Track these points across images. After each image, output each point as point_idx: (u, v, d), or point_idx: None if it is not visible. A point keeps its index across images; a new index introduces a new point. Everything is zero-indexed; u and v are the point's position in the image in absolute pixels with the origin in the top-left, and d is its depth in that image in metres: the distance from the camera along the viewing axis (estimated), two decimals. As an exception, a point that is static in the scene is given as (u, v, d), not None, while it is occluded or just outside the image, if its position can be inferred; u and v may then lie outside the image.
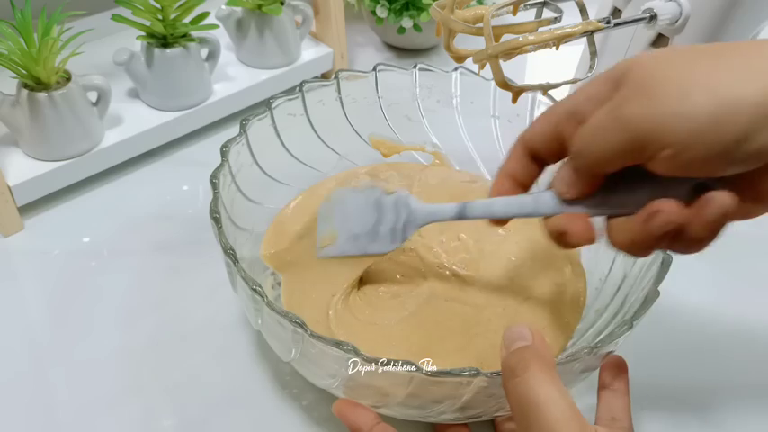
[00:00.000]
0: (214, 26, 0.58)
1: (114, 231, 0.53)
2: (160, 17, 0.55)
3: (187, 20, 0.57)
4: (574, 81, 0.44)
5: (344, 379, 0.34)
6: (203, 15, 0.58)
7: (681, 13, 0.45)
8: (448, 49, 0.44)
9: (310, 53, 0.67)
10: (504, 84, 0.41)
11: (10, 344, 0.45)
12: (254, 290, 0.34)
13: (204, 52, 0.60)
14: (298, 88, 0.49)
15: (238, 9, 0.63)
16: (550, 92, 0.45)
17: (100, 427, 0.41)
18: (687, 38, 0.46)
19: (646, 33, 0.49)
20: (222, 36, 0.63)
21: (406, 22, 0.69)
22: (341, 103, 0.51)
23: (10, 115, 0.52)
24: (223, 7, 0.62)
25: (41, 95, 0.51)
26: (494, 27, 0.40)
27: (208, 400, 0.42)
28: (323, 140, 0.52)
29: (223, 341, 0.45)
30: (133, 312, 0.47)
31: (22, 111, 0.51)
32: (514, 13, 0.43)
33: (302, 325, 0.32)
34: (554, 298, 0.45)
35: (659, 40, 0.49)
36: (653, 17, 0.45)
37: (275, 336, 0.37)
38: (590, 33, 0.42)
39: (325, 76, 0.69)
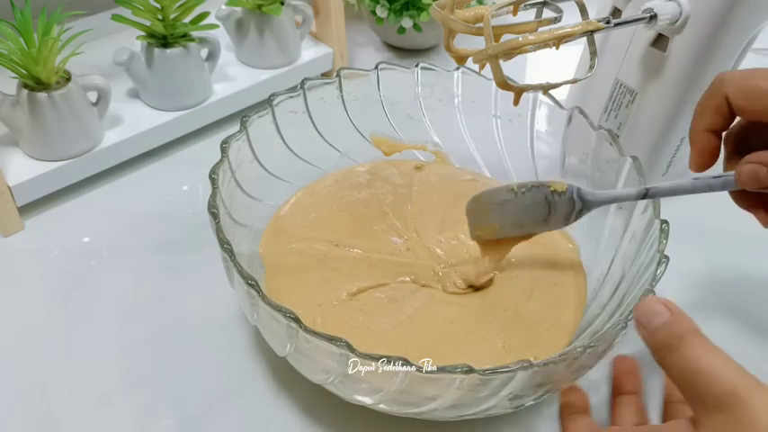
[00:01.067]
0: (214, 26, 0.58)
1: (114, 231, 0.53)
2: (160, 17, 0.55)
3: (187, 20, 0.57)
4: (574, 81, 0.44)
5: (339, 375, 0.34)
6: (203, 15, 0.58)
7: (681, 13, 0.45)
8: (448, 49, 0.44)
9: (310, 53, 0.67)
10: (505, 84, 0.41)
11: (10, 343, 0.45)
12: (250, 284, 0.34)
13: (204, 52, 0.61)
14: (299, 86, 0.49)
15: (238, 9, 0.63)
16: (550, 91, 0.45)
17: (99, 423, 0.41)
18: (687, 38, 0.47)
19: (646, 33, 0.49)
20: (222, 36, 0.63)
21: (406, 22, 0.69)
22: (342, 101, 0.51)
23: (10, 115, 0.52)
24: (223, 7, 0.62)
25: (41, 95, 0.51)
26: (494, 27, 0.40)
27: (205, 395, 0.42)
28: (324, 138, 0.52)
29: (221, 337, 0.45)
30: (133, 312, 0.47)
31: (22, 111, 0.51)
32: (514, 13, 0.43)
33: (296, 320, 0.32)
34: (555, 299, 0.44)
35: (659, 40, 0.49)
36: (653, 17, 0.45)
37: (270, 331, 0.37)
38: (590, 33, 0.42)
39: (325, 76, 0.69)
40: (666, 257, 0.37)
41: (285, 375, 0.43)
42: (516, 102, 0.43)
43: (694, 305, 0.49)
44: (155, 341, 0.45)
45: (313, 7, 0.66)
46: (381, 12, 0.70)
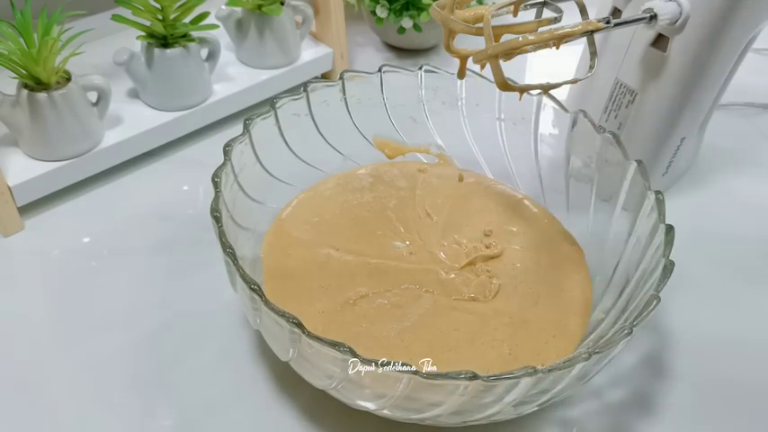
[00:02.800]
0: (214, 26, 0.58)
1: (114, 231, 0.53)
2: (160, 17, 0.55)
3: (187, 20, 0.57)
4: (574, 81, 0.44)
5: (342, 380, 0.34)
6: (203, 15, 0.58)
7: (681, 13, 0.46)
8: (448, 49, 0.44)
9: (310, 53, 0.67)
10: (505, 84, 0.41)
11: (10, 344, 0.45)
12: (253, 289, 0.34)
13: (204, 52, 0.60)
14: (302, 88, 0.49)
15: (238, 9, 0.63)
16: (553, 93, 0.45)
17: (100, 426, 0.41)
18: (687, 38, 0.47)
19: (646, 33, 0.49)
20: (222, 36, 0.63)
21: (406, 22, 0.69)
22: (345, 103, 0.51)
23: (10, 115, 0.52)
24: (223, 7, 0.62)
25: (41, 95, 0.51)
26: (494, 27, 0.40)
27: (206, 398, 0.42)
28: (327, 141, 0.52)
29: (222, 340, 0.45)
30: (133, 312, 0.47)
31: (22, 111, 0.51)
32: (515, 13, 0.43)
33: (299, 325, 0.32)
34: (561, 305, 0.44)
35: (659, 40, 0.49)
36: (653, 17, 0.45)
37: (273, 336, 0.37)
38: (590, 33, 0.42)
39: (325, 77, 0.69)
40: (672, 263, 0.36)
41: (287, 380, 0.43)
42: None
43: (693, 304, 0.49)
44: (155, 342, 0.45)
45: (313, 7, 0.66)
46: (381, 12, 0.70)
